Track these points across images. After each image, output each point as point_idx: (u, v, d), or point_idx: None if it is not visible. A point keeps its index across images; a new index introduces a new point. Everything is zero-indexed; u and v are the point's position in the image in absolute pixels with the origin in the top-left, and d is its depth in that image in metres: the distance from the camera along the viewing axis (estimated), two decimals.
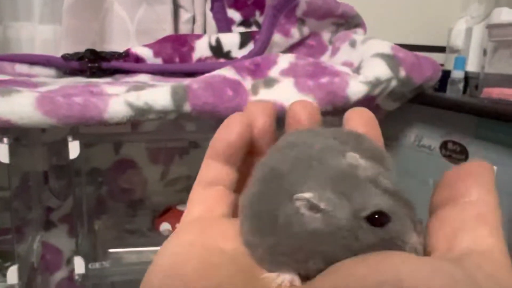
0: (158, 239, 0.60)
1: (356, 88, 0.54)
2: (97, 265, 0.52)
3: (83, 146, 0.50)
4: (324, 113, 0.56)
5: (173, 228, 0.63)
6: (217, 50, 0.66)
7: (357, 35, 0.65)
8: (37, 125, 0.45)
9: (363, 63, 0.58)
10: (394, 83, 0.56)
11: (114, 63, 0.61)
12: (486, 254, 0.16)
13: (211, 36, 0.66)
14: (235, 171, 0.21)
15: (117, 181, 0.71)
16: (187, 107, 0.48)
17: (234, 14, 0.71)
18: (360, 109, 0.24)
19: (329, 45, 0.70)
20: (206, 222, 0.20)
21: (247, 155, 0.22)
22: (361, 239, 0.16)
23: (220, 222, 0.20)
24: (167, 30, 0.67)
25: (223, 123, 0.21)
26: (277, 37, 0.66)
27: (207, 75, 0.51)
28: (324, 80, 0.54)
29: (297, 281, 0.17)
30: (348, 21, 0.68)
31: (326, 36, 0.70)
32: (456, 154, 0.57)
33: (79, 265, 0.50)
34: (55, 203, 0.68)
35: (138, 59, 0.63)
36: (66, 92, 0.46)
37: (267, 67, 0.55)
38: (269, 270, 0.18)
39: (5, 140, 0.46)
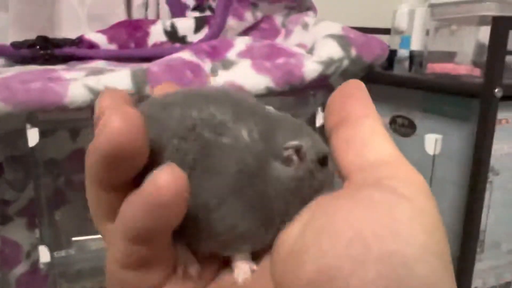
0: None
1: (311, 68, 0.56)
2: (62, 253, 0.52)
3: (40, 136, 0.49)
4: (282, 93, 0.58)
5: None
6: (172, 35, 0.66)
7: (309, 17, 0.68)
8: None
9: (316, 44, 0.60)
10: (346, 62, 0.58)
11: (68, 50, 0.59)
12: (392, 163, 0.17)
13: (166, 21, 0.66)
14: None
15: (76, 171, 0.70)
16: (147, 90, 0.49)
17: None
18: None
19: (282, 28, 0.72)
20: None
21: None
22: (317, 180, 0.18)
23: None
24: (120, 15, 0.67)
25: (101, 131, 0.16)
26: (231, 21, 0.67)
27: (166, 58, 0.51)
28: (280, 61, 0.56)
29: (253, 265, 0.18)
30: (300, 4, 0.70)
31: (278, 19, 0.72)
32: (404, 128, 0.61)
33: (43, 254, 0.50)
34: (12, 196, 0.66)
35: (92, 46, 0.62)
36: (22, 78, 0.45)
37: (224, 50, 0.57)
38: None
39: None
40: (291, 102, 0.71)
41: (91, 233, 0.58)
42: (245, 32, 0.70)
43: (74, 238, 0.56)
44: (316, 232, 0.15)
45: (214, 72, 0.53)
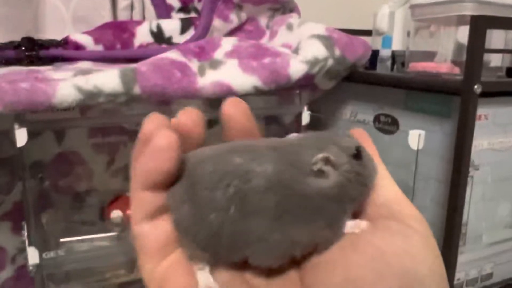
0: (109, 227, 0.60)
1: (297, 67, 0.58)
2: (51, 254, 0.51)
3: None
4: (268, 93, 0.59)
5: (125, 215, 0.63)
6: (158, 36, 0.66)
7: (293, 19, 0.69)
8: None
9: (301, 44, 0.61)
10: (330, 61, 0.60)
11: (54, 51, 0.59)
12: (398, 201, 0.21)
13: (152, 22, 0.66)
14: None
15: (61, 174, 0.70)
16: (136, 90, 0.49)
17: (172, 1, 0.71)
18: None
19: (267, 29, 0.73)
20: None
21: None
22: (360, 175, 0.21)
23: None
24: (106, 17, 0.67)
25: (150, 148, 0.20)
26: (217, 22, 0.68)
27: (154, 58, 0.52)
28: (266, 60, 0.57)
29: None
30: (284, 6, 0.71)
31: (263, 21, 0.73)
32: (388, 125, 0.63)
33: (32, 255, 0.49)
34: None
35: (78, 47, 0.62)
36: (10, 79, 0.45)
37: (211, 50, 0.57)
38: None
39: None
40: (276, 102, 0.72)
41: (78, 235, 0.58)
42: (230, 33, 0.71)
43: (62, 240, 0.56)
44: (342, 248, 0.19)
45: (201, 71, 0.54)
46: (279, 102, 0.74)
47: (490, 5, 0.57)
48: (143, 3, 0.70)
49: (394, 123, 0.62)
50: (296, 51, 0.61)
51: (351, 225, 0.20)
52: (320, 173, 0.19)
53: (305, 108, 0.66)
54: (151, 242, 0.21)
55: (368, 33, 0.89)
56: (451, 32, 0.62)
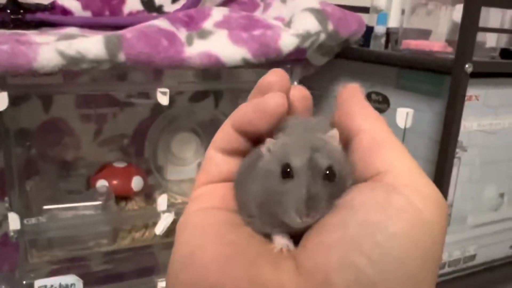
0: (94, 196, 0.60)
1: (287, 41, 0.56)
2: (33, 220, 0.51)
3: (10, 103, 0.47)
4: (258, 65, 0.57)
5: (110, 184, 0.62)
6: (149, 4, 0.65)
7: None
8: None
9: (294, 18, 0.60)
10: (323, 36, 0.59)
11: (40, 15, 0.58)
12: (395, 172, 0.19)
13: None
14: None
15: (48, 142, 0.69)
16: (121, 57, 0.48)
17: None
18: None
19: (261, 1, 0.72)
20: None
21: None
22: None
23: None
24: None
25: (259, 101, 0.21)
26: None
27: (141, 25, 0.51)
28: (257, 32, 0.56)
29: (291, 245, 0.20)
30: None
31: None
32: (379, 104, 0.62)
33: (13, 221, 0.49)
34: None
35: (65, 12, 0.60)
36: None
37: (201, 19, 0.56)
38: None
39: None
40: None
41: (63, 204, 0.58)
42: (223, 4, 0.69)
43: (45, 207, 0.55)
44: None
45: (189, 41, 0.53)
46: None
47: None
48: None
49: (385, 101, 0.61)
50: (288, 24, 0.60)
51: None
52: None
53: (295, 83, 0.65)
54: (213, 168, 0.22)
55: (365, 10, 0.87)
56: (447, 11, 0.61)
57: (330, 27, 0.59)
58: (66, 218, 0.55)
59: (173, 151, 0.71)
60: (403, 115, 0.50)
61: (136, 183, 0.64)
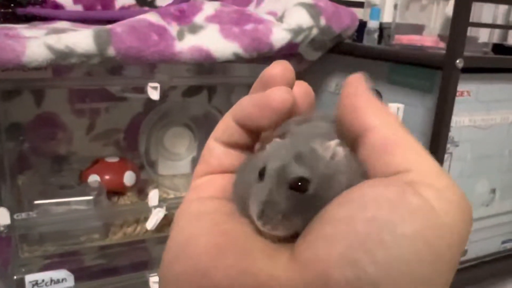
0: (86, 191, 0.60)
1: (279, 35, 0.56)
2: (23, 215, 0.51)
3: (1, 98, 0.47)
4: (251, 60, 0.57)
5: (102, 179, 0.62)
6: None
7: None
8: None
9: (286, 12, 0.60)
10: (315, 31, 0.58)
11: (31, 9, 0.58)
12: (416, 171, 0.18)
13: None
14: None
15: (40, 137, 0.69)
16: (111, 51, 0.48)
17: None
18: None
19: None
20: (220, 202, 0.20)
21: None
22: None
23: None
24: None
25: (263, 95, 0.20)
26: None
27: (131, 19, 0.50)
28: (248, 27, 0.56)
29: None
30: None
31: None
32: None
33: (3, 216, 0.49)
34: None
35: (56, 6, 0.60)
36: None
37: (192, 13, 0.56)
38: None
39: None
40: (261, 70, 0.71)
41: (54, 198, 0.58)
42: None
43: (36, 202, 0.55)
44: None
45: (180, 36, 0.52)
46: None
47: None
48: None
49: (378, 96, 0.61)
50: (280, 19, 0.59)
51: None
52: None
53: None
54: (213, 160, 0.22)
55: (360, 5, 0.87)
56: (441, 5, 0.61)
57: (323, 22, 0.59)
58: (58, 213, 0.55)
59: (166, 146, 0.71)
60: (394, 110, 0.50)
61: (129, 178, 0.64)
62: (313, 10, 0.58)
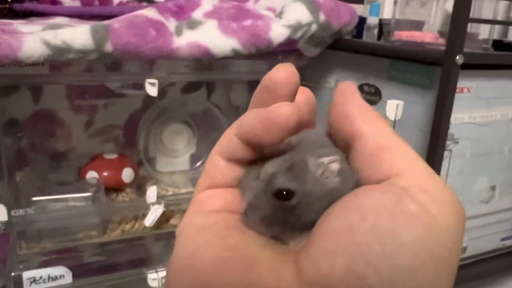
0: (84, 187, 0.60)
1: (278, 31, 0.56)
2: (20, 211, 0.51)
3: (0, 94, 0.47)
4: (248, 56, 0.57)
5: (100, 176, 0.62)
6: None
7: None
8: None
9: (285, 8, 0.59)
10: (314, 27, 0.58)
11: (28, 5, 0.57)
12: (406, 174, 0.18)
13: None
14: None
15: (38, 133, 0.68)
16: (108, 47, 0.47)
17: None
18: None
19: None
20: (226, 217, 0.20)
21: None
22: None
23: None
24: None
25: (267, 112, 0.19)
26: None
27: (128, 14, 0.50)
28: (247, 23, 0.55)
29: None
30: None
31: None
32: (371, 95, 0.62)
33: (1, 212, 0.49)
34: None
35: (54, 1, 0.60)
36: None
37: (190, 9, 0.55)
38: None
39: None
40: (260, 67, 0.70)
41: (52, 195, 0.58)
42: None
43: (34, 198, 0.55)
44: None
45: (178, 31, 0.52)
46: (265, 68, 0.72)
47: None
48: None
49: (377, 93, 0.61)
50: (279, 14, 0.59)
51: None
52: None
53: None
54: (217, 175, 0.21)
55: (360, 0, 0.86)
56: (441, 1, 0.60)
57: (322, 18, 0.58)
58: (56, 209, 0.55)
59: (164, 143, 0.71)
60: (393, 107, 0.50)
61: (127, 174, 0.64)
62: (312, 6, 0.58)
